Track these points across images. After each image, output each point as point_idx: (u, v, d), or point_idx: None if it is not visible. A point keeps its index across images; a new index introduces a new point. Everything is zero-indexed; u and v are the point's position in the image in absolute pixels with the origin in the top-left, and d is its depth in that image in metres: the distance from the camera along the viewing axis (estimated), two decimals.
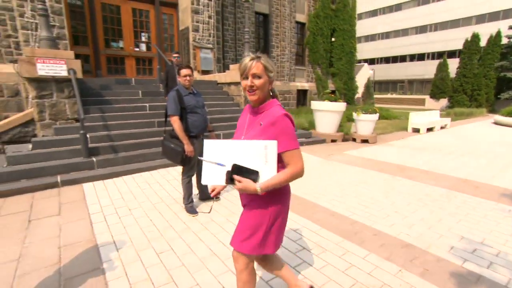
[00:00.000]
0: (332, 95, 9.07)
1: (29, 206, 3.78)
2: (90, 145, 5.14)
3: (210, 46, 10.11)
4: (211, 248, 2.88)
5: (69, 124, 5.59)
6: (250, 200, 1.67)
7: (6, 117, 6.18)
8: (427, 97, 29.32)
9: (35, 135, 5.43)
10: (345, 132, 9.42)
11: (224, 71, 10.51)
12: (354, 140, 8.91)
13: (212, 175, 1.56)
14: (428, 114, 12.49)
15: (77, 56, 8.72)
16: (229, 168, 1.52)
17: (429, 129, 11.75)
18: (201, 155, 1.60)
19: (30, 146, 4.88)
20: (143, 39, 9.68)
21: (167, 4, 10.02)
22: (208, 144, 1.57)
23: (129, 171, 4.91)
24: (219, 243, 2.97)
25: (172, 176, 5.04)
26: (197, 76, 9.74)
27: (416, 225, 3.40)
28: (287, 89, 16.15)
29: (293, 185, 4.60)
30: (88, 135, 5.17)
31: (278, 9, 15.82)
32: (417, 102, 30.66)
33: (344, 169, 5.75)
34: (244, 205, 1.74)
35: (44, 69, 5.23)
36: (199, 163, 3.58)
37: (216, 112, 7.46)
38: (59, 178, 4.36)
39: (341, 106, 8.62)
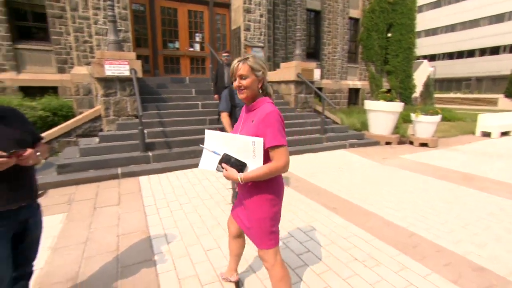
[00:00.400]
0: (388, 94, 8.47)
1: (95, 195, 4.11)
2: (147, 140, 5.45)
3: (261, 44, 10.11)
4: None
5: (129, 120, 6.00)
6: (247, 196, 1.76)
7: (80, 113, 6.86)
8: (500, 96, 26.05)
9: (101, 130, 5.93)
10: (401, 134, 8.75)
11: (274, 70, 10.43)
12: (411, 143, 8.22)
13: (208, 161, 1.75)
14: (503, 115, 10.97)
15: (138, 57, 9.38)
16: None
17: (504, 133, 10.37)
18: None
19: (97, 139, 5.33)
20: (197, 39, 10.02)
21: (220, 4, 10.24)
22: (209, 134, 1.75)
23: (181, 166, 5.10)
24: None
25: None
26: None
27: (489, 244, 2.97)
28: (338, 87, 15.57)
29: (343, 190, 4.39)
30: (145, 131, 5.48)
31: (330, 5, 15.27)
32: (487, 102, 27.43)
33: (400, 175, 5.31)
34: (243, 204, 1.85)
35: (111, 69, 5.66)
36: None
37: None
38: (119, 170, 4.69)
39: (397, 106, 8.01)
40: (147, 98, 6.56)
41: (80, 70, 7.19)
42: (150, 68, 9.39)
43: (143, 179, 4.70)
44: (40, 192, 1.91)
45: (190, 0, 9.71)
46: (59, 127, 5.69)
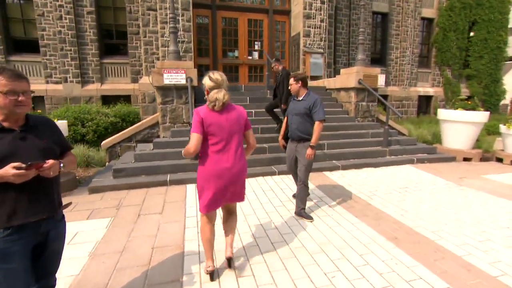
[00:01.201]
0: (469, 102, 7.13)
1: (142, 201, 4.11)
2: None
3: (321, 50, 9.52)
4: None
5: (183, 127, 6.04)
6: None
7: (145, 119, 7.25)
8: None
9: (158, 136, 6.10)
10: (484, 149, 7.28)
11: (335, 76, 9.75)
12: (499, 160, 6.75)
13: None
14: None
15: (199, 66, 9.68)
16: None
17: None
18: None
19: (151, 146, 5.45)
20: (256, 47, 9.90)
21: (280, 12, 9.98)
22: None
23: None
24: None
25: (268, 185, 4.76)
26: None
27: None
28: (406, 95, 14.01)
29: (408, 215, 3.63)
30: None
31: (400, 6, 13.89)
32: None
33: (484, 200, 4.25)
34: None
35: (168, 78, 5.78)
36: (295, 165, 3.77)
37: None
38: (168, 177, 4.67)
39: (480, 115, 6.66)
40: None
41: (146, 80, 7.60)
42: None
43: (190, 187, 4.59)
44: (65, 204, 1.79)
45: (251, 9, 9.67)
46: (121, 133, 6.01)
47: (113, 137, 5.97)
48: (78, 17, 10.10)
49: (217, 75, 2.22)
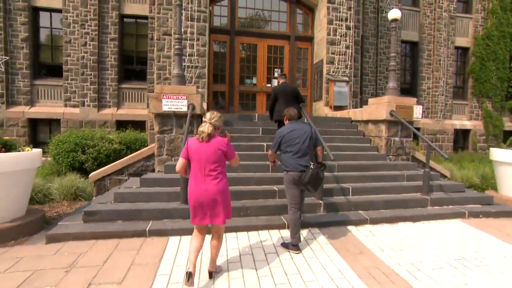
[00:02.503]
0: None
1: (104, 260, 3.03)
2: None
3: (346, 78, 8.41)
4: None
5: None
6: None
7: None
8: None
9: (153, 170, 5.13)
10: None
11: (361, 107, 8.53)
12: None
13: None
14: None
15: (214, 93, 8.96)
16: None
17: None
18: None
19: (139, 182, 4.44)
20: (276, 74, 8.99)
21: (302, 38, 9.11)
22: None
23: (230, 228, 3.66)
24: None
25: (273, 245, 3.51)
26: (328, 112, 8.15)
27: None
28: (439, 128, 12.36)
29: None
30: None
31: (431, 34, 12.66)
32: None
33: None
34: None
35: (168, 104, 4.89)
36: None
37: (345, 157, 5.57)
38: (149, 226, 3.58)
39: None
40: None
41: None
42: (226, 104, 8.70)
43: (172, 241, 3.46)
44: None
45: (271, 35, 8.89)
46: (111, 164, 5.12)
47: (103, 168, 5.08)
48: (101, 43, 9.87)
49: (209, 114, 2.57)
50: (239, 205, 4.07)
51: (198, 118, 5.20)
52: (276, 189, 4.48)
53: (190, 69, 7.47)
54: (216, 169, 2.49)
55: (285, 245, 3.39)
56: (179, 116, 4.97)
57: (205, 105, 6.20)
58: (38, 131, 9.88)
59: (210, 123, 2.48)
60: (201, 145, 2.45)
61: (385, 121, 5.84)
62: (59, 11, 9.76)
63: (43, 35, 10.04)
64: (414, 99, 6.12)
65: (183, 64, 7.34)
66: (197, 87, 6.75)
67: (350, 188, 4.72)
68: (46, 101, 9.86)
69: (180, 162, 2.53)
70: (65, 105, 9.79)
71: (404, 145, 6.02)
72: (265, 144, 5.53)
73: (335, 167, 5.20)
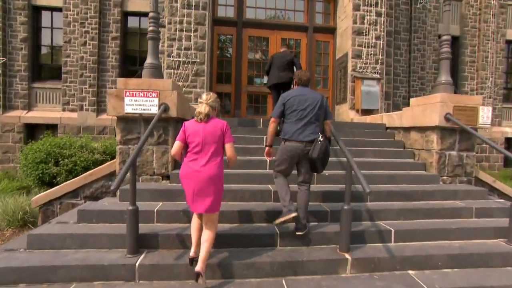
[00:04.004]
0: None
1: None
2: (149, 229, 2.80)
3: (376, 76, 6.64)
4: None
5: (153, 182, 3.59)
6: None
7: None
8: None
9: (115, 193, 3.72)
10: None
11: (391, 111, 6.73)
12: None
13: None
14: None
15: (218, 94, 7.47)
16: None
17: None
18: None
19: (76, 215, 2.99)
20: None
21: (322, 29, 7.46)
22: None
23: None
24: None
25: None
26: (354, 117, 6.42)
27: None
28: (487, 136, 10.01)
29: None
30: (155, 209, 2.89)
31: (475, 27, 10.52)
32: None
33: None
34: None
35: (132, 104, 3.47)
36: None
37: (381, 179, 3.84)
38: None
39: None
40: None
41: None
42: (231, 107, 7.23)
43: None
44: None
45: (285, 26, 7.32)
46: (61, 185, 3.77)
47: (50, 190, 3.74)
48: (102, 43, 8.81)
49: (205, 95, 2.43)
50: (235, 255, 2.49)
51: (176, 124, 3.74)
52: (278, 238, 2.87)
53: (186, 65, 6.09)
54: (214, 151, 2.33)
55: (279, 218, 2.77)
56: (149, 121, 3.52)
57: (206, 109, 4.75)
58: (35, 137, 8.94)
59: (207, 104, 2.37)
60: (200, 125, 2.35)
61: (437, 128, 4.04)
62: (59, 9, 8.86)
63: (44, 35, 9.18)
64: (479, 98, 4.27)
65: (178, 59, 5.98)
66: (193, 86, 5.32)
67: (392, 231, 2.98)
68: (44, 105, 8.95)
69: (176, 145, 2.39)
70: (63, 109, 8.80)
71: (464, 161, 4.16)
72: (267, 160, 3.95)
73: (368, 195, 3.50)
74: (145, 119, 3.52)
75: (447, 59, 4.34)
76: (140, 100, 3.45)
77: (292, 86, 3.44)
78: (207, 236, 2.32)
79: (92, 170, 3.87)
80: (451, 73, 10.81)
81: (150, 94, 3.46)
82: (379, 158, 4.44)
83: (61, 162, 5.33)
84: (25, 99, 8.73)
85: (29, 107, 8.77)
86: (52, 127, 8.79)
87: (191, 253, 2.35)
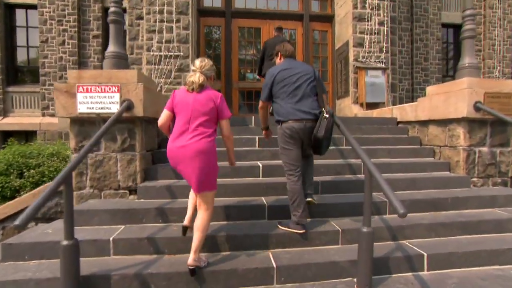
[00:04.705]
0: None
1: None
2: (107, 257, 2.05)
3: (381, 65, 5.90)
4: None
5: (118, 198, 2.83)
6: None
7: None
8: None
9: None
10: None
11: (395, 105, 6.02)
12: None
13: None
14: None
15: None
16: None
17: None
18: None
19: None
20: None
21: (319, 17, 6.71)
22: None
23: None
24: None
25: None
26: (358, 111, 5.68)
27: None
28: None
29: None
30: (111, 238, 2.15)
31: (480, 14, 9.85)
32: None
33: None
34: None
35: (87, 102, 2.71)
36: None
37: (400, 184, 3.08)
38: None
39: None
40: (165, 155, 3.31)
41: None
42: None
43: None
44: None
45: (279, 15, 6.57)
46: (4, 205, 3.01)
47: None
48: (83, 42, 8.07)
49: (198, 62, 2.06)
50: None
51: (147, 125, 2.99)
52: (274, 266, 2.12)
53: (168, 59, 5.33)
54: (205, 124, 1.96)
55: (285, 224, 2.39)
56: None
57: (200, 78, 3.99)
58: None
59: (201, 72, 2.00)
60: (190, 95, 1.99)
61: (464, 120, 3.30)
62: (34, 7, 8.09)
63: (19, 35, 8.41)
64: None
65: (158, 53, 5.22)
66: (176, 82, 4.60)
67: (425, 255, 2.23)
68: (22, 111, 8.18)
69: (163, 115, 2.06)
70: (43, 115, 8.03)
71: (497, 159, 3.41)
72: (260, 165, 3.19)
73: (386, 204, 2.75)
74: (105, 120, 2.76)
75: (471, 38, 3.59)
76: (97, 97, 2.69)
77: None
78: (199, 223, 1.98)
79: (43, 185, 3.11)
80: (456, 64, 10.12)
81: (110, 89, 2.70)
82: (393, 158, 3.70)
83: (26, 173, 4.56)
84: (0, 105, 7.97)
85: (4, 113, 7.99)
86: (31, 134, 8.03)
87: (185, 221, 2.15)
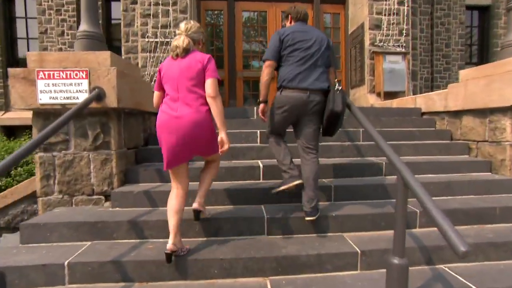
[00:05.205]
0: None
1: None
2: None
3: (401, 49, 5.19)
4: None
5: (91, 205, 2.37)
6: None
7: None
8: None
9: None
10: None
11: (414, 94, 5.33)
12: None
13: None
14: None
15: None
16: None
17: None
18: None
19: None
20: None
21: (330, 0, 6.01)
22: None
23: None
24: None
25: None
26: (374, 102, 5.03)
27: None
28: None
29: None
30: (81, 263, 1.68)
31: None
32: None
33: None
34: None
35: (49, 91, 2.22)
36: None
37: (428, 187, 2.48)
38: None
39: None
40: (153, 151, 2.79)
41: None
42: (225, 96, 5.94)
43: None
44: None
45: None
46: None
47: None
48: None
49: (183, 25, 1.82)
50: None
51: (127, 118, 2.49)
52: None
53: (164, 46, 4.81)
54: (194, 90, 1.74)
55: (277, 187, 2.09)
56: (79, 115, 2.28)
57: (184, 41, 3.46)
58: None
59: (186, 35, 1.77)
60: (175, 62, 1.76)
61: (511, 110, 2.66)
62: None
63: (19, 27, 8.07)
64: None
65: (154, 40, 4.70)
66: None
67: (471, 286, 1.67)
68: None
69: (154, 96, 1.90)
70: None
71: None
72: (261, 166, 2.65)
73: (417, 215, 2.18)
74: (76, 114, 2.27)
75: None
76: (61, 84, 2.21)
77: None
78: (211, 171, 1.96)
79: (6, 191, 2.68)
80: (480, 50, 9.20)
81: (77, 75, 2.21)
82: (420, 155, 3.08)
83: (12, 172, 4.19)
84: (1, 99, 7.69)
85: (5, 107, 7.72)
86: (23, 128, 7.73)
87: (168, 245, 1.66)
